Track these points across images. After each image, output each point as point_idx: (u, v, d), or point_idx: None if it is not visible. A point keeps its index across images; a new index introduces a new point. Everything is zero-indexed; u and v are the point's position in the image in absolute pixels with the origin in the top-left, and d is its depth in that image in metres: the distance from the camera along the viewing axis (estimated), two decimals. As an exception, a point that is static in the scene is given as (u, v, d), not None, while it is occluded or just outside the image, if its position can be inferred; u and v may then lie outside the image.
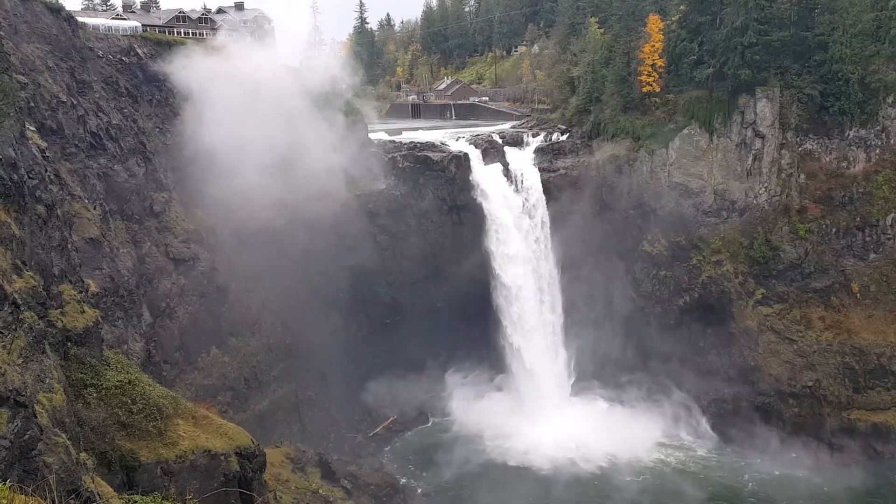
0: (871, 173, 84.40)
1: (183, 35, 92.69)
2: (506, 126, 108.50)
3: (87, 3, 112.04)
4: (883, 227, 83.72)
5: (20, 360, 26.38)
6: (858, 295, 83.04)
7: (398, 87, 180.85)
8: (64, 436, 26.74)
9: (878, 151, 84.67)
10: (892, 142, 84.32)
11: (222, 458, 38.48)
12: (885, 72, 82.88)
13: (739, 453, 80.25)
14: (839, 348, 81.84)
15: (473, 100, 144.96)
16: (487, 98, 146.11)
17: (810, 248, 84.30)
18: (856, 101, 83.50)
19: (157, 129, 72.25)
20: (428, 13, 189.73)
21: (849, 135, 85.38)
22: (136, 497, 28.49)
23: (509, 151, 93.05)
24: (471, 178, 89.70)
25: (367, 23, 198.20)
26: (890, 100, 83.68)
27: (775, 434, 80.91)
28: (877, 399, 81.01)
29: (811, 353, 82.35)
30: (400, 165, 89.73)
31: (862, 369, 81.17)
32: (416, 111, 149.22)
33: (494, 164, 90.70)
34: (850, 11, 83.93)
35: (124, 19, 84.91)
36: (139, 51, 74.36)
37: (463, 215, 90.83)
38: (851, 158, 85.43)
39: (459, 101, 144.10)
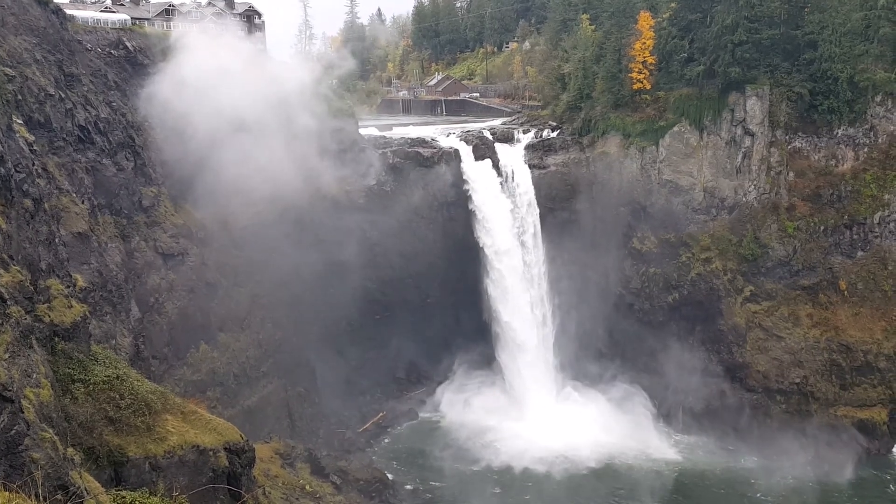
0: (859, 171, 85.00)
1: (172, 28, 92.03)
2: (496, 122, 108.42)
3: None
4: (870, 226, 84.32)
5: (7, 355, 26.20)
6: (846, 292, 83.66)
7: (389, 83, 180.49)
8: (51, 431, 26.55)
9: (866, 150, 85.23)
10: (880, 140, 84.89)
11: (211, 453, 38.25)
12: (874, 71, 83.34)
13: (727, 450, 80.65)
14: (826, 345, 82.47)
15: (464, 96, 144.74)
16: (478, 94, 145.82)
17: (798, 246, 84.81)
18: (844, 99, 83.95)
19: (146, 123, 71.79)
20: (419, 8, 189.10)
21: (837, 133, 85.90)
22: (124, 492, 28.35)
23: (500, 148, 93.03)
24: (461, 175, 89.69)
25: (359, 18, 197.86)
26: (878, 98, 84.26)
27: (763, 430, 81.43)
28: (863, 396, 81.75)
29: (799, 349, 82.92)
30: (390, 161, 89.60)
31: (849, 366, 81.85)
32: (407, 107, 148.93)
33: (485, 161, 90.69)
34: (839, 10, 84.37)
35: (113, 12, 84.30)
36: (128, 44, 73.83)
37: (453, 211, 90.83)
38: (840, 157, 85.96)
39: (450, 97, 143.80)
